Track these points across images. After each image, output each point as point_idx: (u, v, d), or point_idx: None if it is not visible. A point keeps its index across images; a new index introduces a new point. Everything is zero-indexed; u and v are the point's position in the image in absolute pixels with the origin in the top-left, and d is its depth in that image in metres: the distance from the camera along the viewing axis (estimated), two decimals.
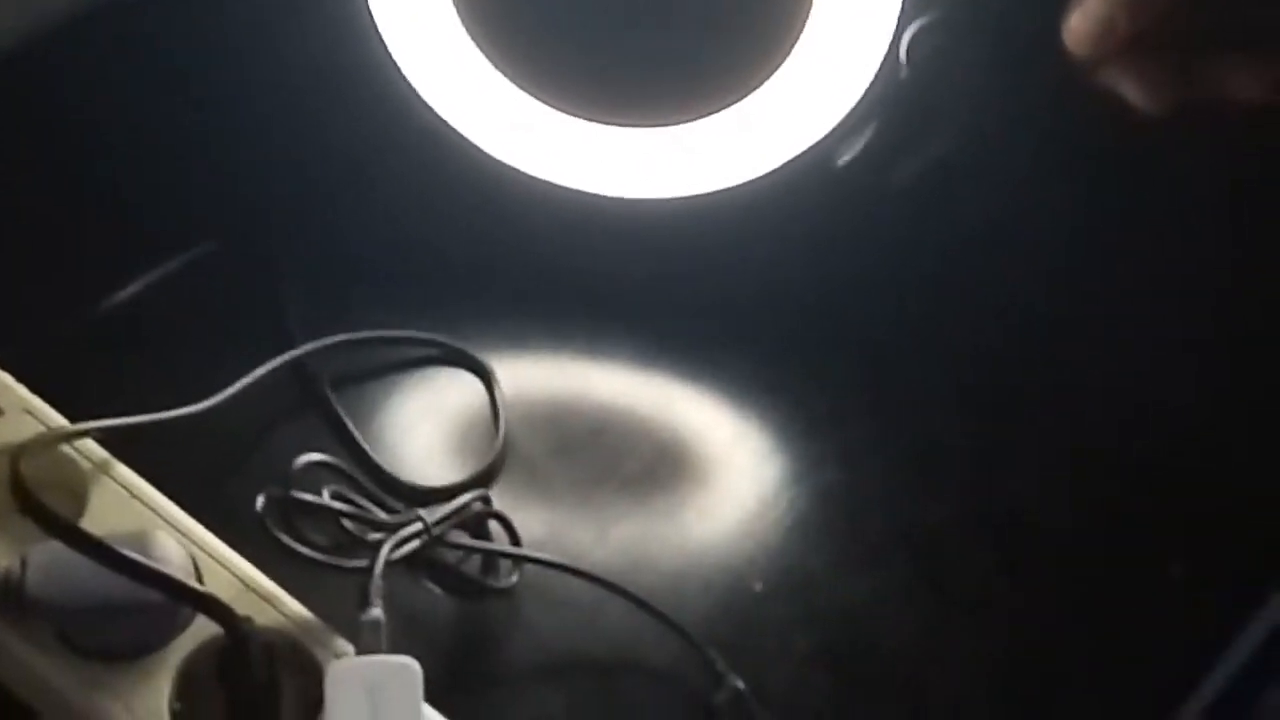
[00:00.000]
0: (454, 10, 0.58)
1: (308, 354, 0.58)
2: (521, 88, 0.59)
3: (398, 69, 0.59)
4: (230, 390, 0.56)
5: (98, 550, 0.44)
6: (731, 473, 0.58)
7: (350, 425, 0.57)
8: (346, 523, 0.50)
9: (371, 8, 0.58)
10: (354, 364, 0.59)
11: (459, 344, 0.60)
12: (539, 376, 0.61)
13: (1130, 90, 0.56)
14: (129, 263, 0.59)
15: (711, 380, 0.61)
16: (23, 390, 0.53)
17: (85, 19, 0.65)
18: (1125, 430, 0.60)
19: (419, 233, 0.63)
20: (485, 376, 0.59)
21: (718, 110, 0.57)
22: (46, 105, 0.63)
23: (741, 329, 0.62)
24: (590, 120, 0.59)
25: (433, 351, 0.60)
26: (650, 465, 0.58)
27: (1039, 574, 0.56)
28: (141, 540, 0.48)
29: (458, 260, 0.62)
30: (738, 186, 0.59)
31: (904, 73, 0.57)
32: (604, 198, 0.60)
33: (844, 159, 0.59)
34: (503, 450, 0.57)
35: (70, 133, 0.63)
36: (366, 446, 0.57)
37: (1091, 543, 0.57)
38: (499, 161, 0.60)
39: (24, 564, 0.48)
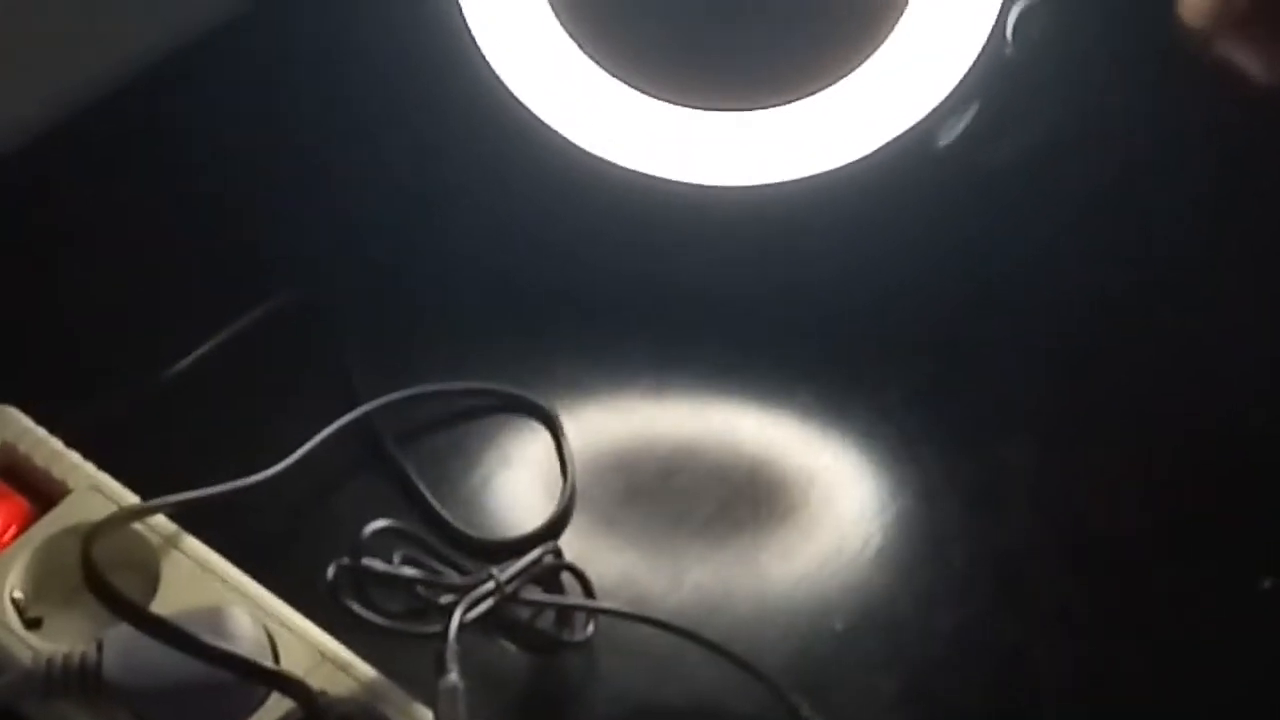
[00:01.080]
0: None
1: (372, 412, 0.58)
2: (618, 77, 0.58)
3: (492, 80, 0.58)
4: (296, 455, 0.55)
5: (169, 634, 0.44)
6: (805, 509, 0.57)
7: (418, 483, 0.57)
8: (419, 588, 0.49)
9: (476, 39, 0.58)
10: (419, 419, 0.59)
11: (522, 391, 0.59)
12: (606, 419, 0.61)
13: (1248, 62, 0.54)
14: (189, 331, 0.59)
15: (780, 412, 0.60)
16: (91, 468, 0.53)
17: (144, 92, 0.66)
18: (1205, 440, 0.59)
19: (476, 272, 0.63)
20: (551, 424, 0.59)
21: (815, 92, 0.56)
22: (109, 175, 0.64)
23: (806, 354, 0.61)
24: (690, 107, 0.58)
25: (495, 401, 0.60)
26: (722, 506, 0.57)
27: (1121, 592, 0.55)
28: (215, 616, 0.48)
29: (523, 292, 0.62)
30: (838, 169, 0.57)
31: (1009, 51, 0.55)
32: (705, 186, 0.58)
33: (946, 140, 0.57)
34: (571, 499, 0.57)
35: (131, 204, 0.63)
36: (435, 504, 0.56)
37: (1176, 557, 0.56)
38: (592, 154, 0.59)
39: (100, 647, 0.48)
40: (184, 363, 0.58)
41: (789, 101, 0.56)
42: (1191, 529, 0.56)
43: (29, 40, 0.62)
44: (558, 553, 0.53)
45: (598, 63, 0.58)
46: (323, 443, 0.56)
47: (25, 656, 0.49)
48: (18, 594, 0.51)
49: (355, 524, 0.53)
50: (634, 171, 0.59)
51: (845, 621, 0.54)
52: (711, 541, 0.56)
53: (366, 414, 0.58)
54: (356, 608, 0.47)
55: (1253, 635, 0.54)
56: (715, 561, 0.56)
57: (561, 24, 0.58)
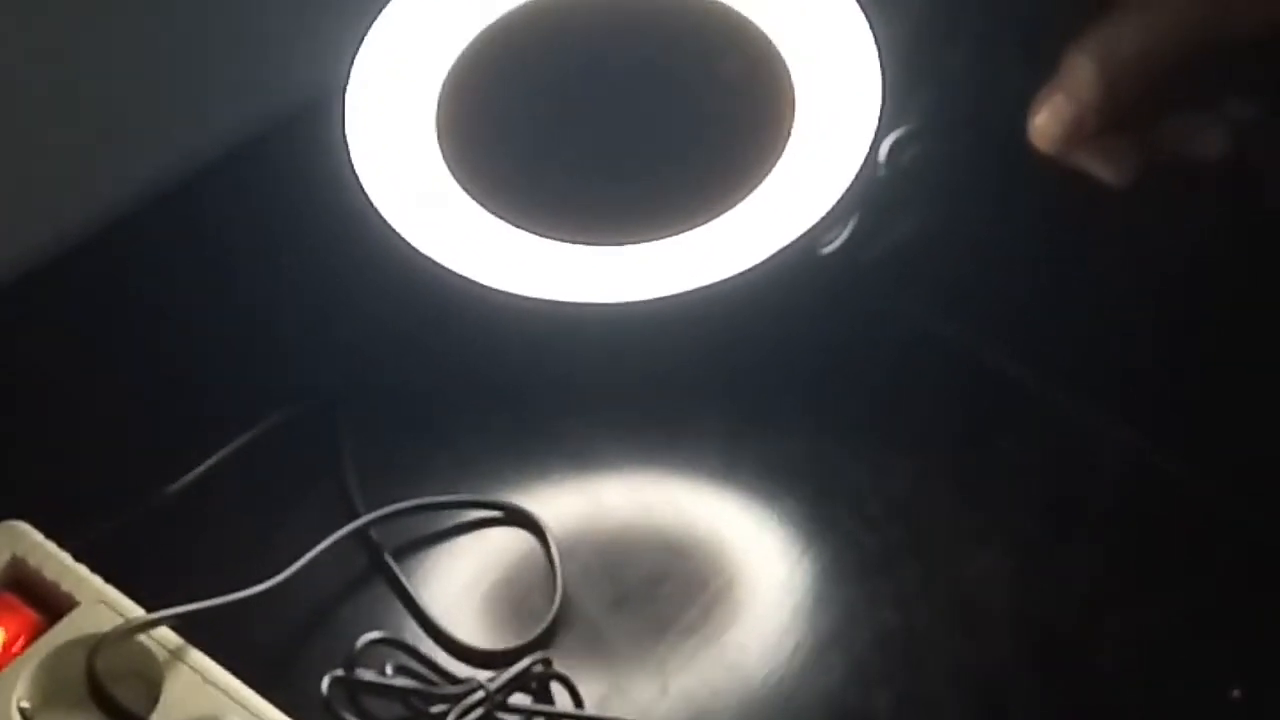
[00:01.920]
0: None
1: (369, 524, 0.60)
2: (511, 222, 0.61)
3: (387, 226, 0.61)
4: (295, 566, 0.57)
5: None
6: (785, 614, 0.59)
7: (414, 593, 0.59)
8: (412, 698, 0.51)
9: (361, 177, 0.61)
10: (415, 530, 0.61)
11: (513, 502, 0.61)
12: (594, 525, 0.63)
13: (1099, 170, 0.58)
14: (194, 448, 0.62)
15: (763, 516, 0.62)
16: (98, 581, 0.55)
17: (143, 216, 0.68)
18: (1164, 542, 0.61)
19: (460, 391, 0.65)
20: (540, 533, 0.61)
21: (705, 223, 0.61)
22: (116, 294, 0.66)
23: (782, 460, 0.63)
24: (590, 244, 0.61)
25: (488, 512, 0.62)
26: (707, 611, 0.59)
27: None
28: None
29: (502, 411, 0.64)
30: (727, 280, 0.61)
31: (882, 173, 0.62)
32: (605, 305, 0.61)
33: (828, 248, 0.63)
34: (559, 609, 0.59)
35: (137, 323, 0.66)
36: (431, 615, 0.58)
37: (1150, 669, 0.58)
38: (496, 290, 0.61)
39: None
40: (188, 478, 0.61)
41: (685, 230, 0.61)
42: (1167, 633, 0.58)
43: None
44: (547, 662, 0.55)
45: (487, 207, 0.62)
46: (322, 554, 0.58)
47: None
48: (25, 704, 0.53)
49: (354, 633, 0.55)
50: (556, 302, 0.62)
51: None
52: (698, 647, 0.58)
53: (364, 526, 0.60)
54: (350, 718, 0.49)
55: None
56: (701, 667, 0.58)
57: (459, 183, 0.62)
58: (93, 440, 0.62)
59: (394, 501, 0.61)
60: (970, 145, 0.63)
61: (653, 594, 0.60)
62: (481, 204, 0.62)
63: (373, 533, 0.60)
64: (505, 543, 0.61)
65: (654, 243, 0.61)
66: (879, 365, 0.65)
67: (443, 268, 0.60)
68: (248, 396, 0.63)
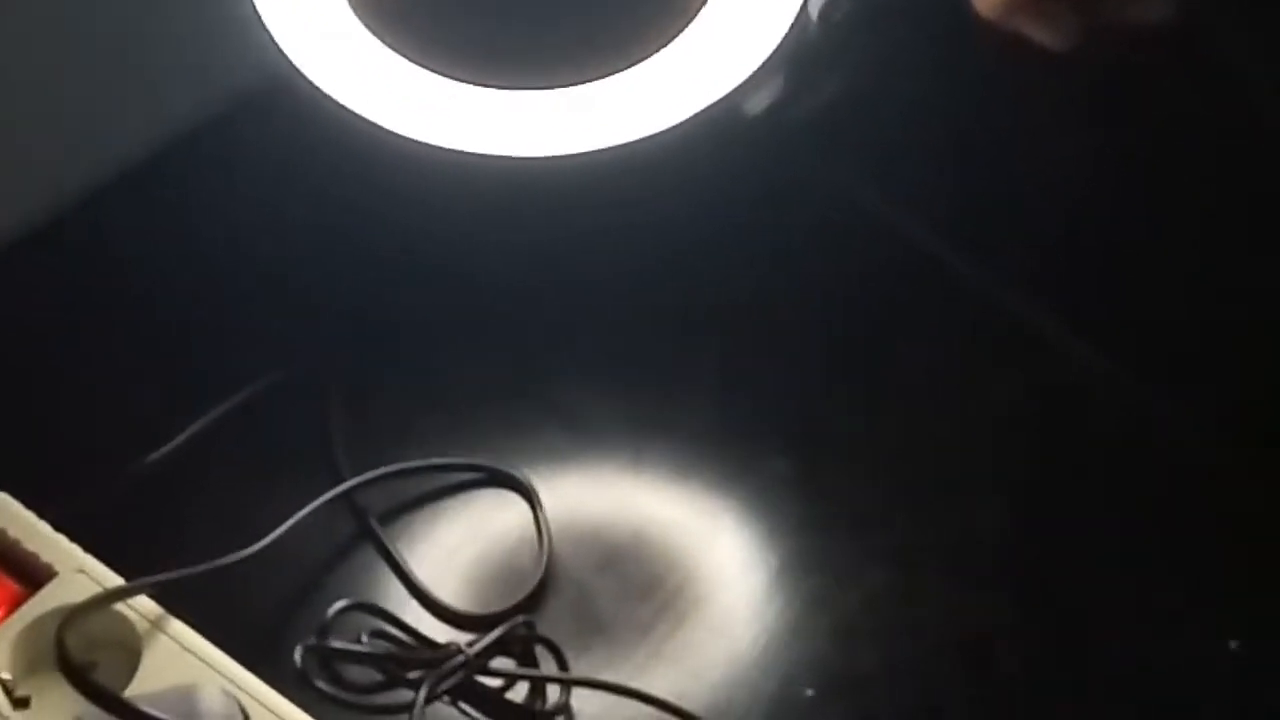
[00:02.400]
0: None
1: (354, 488, 0.59)
2: (417, 61, 0.58)
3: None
4: (278, 531, 0.57)
5: (137, 717, 0.45)
6: (777, 576, 0.58)
7: (399, 558, 0.58)
8: (387, 663, 0.50)
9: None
10: (401, 493, 0.60)
11: (501, 465, 0.61)
12: (582, 488, 0.62)
13: (1041, 35, 0.57)
14: (175, 416, 0.61)
15: (752, 481, 0.61)
16: (77, 550, 0.55)
17: (131, 181, 0.68)
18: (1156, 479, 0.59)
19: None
20: (528, 496, 0.60)
21: (626, 68, 0.58)
22: (92, 265, 0.66)
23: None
24: (498, 87, 0.58)
25: (477, 475, 0.61)
26: (693, 575, 0.58)
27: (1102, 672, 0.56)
28: (188, 695, 0.50)
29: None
30: (645, 139, 0.58)
31: (812, 30, 0.60)
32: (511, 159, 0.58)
33: (754, 110, 0.61)
34: (546, 572, 0.58)
35: (118, 291, 0.65)
36: (417, 579, 0.58)
37: (1150, 620, 0.57)
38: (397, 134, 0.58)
39: None
40: (170, 446, 0.60)
41: (602, 78, 0.58)
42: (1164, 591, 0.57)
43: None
44: (530, 625, 0.55)
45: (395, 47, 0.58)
46: (307, 520, 0.58)
47: None
48: (6, 674, 0.52)
49: (338, 598, 0.54)
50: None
51: (815, 687, 0.55)
52: (684, 610, 0.57)
53: (349, 491, 0.59)
54: (324, 686, 0.49)
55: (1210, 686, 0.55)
56: (688, 629, 0.57)
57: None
58: (74, 410, 0.61)
59: (379, 465, 0.60)
60: (906, 4, 0.61)
61: (638, 556, 0.59)
62: (382, 40, 0.58)
63: (358, 497, 0.59)
64: (492, 506, 0.60)
65: (566, 90, 0.57)
66: (797, 236, 0.64)
67: (341, 106, 0.56)
68: (230, 364, 0.63)
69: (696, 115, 0.57)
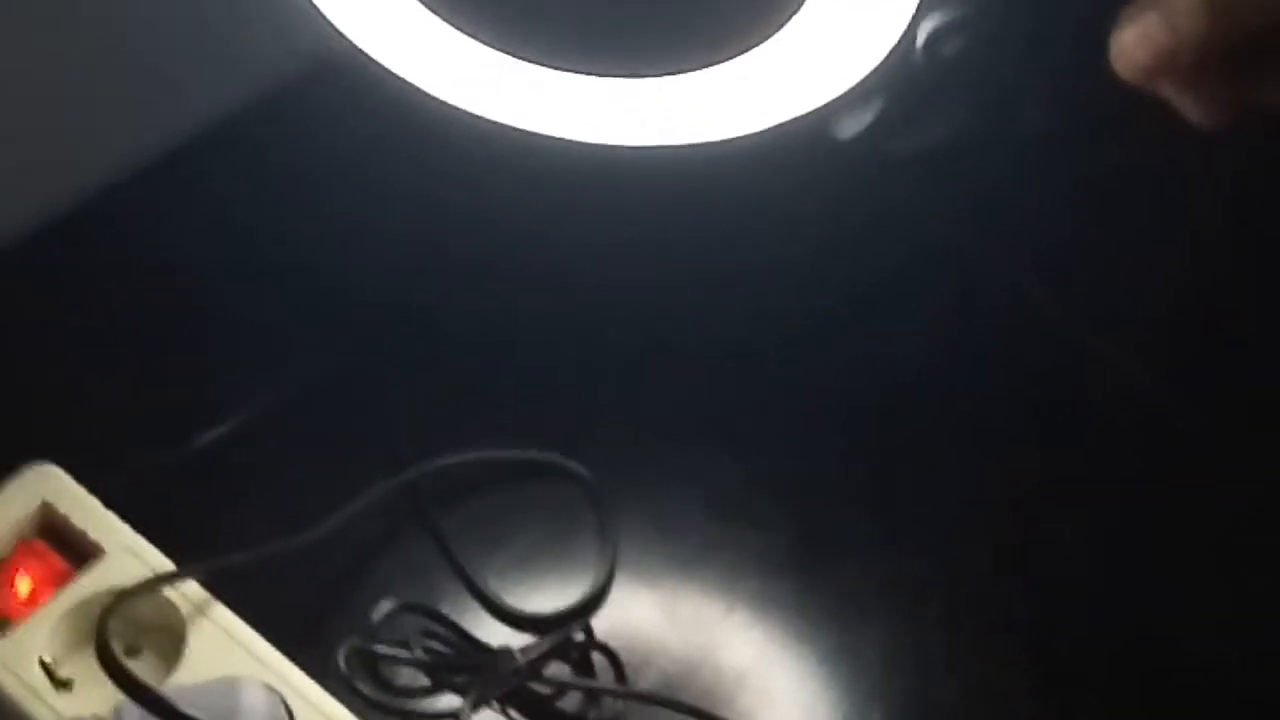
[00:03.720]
0: None
1: (414, 478, 0.57)
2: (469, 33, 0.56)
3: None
4: (332, 520, 0.55)
5: (174, 718, 0.44)
6: (855, 609, 0.56)
7: (454, 551, 0.56)
8: (434, 669, 0.48)
9: None
10: (462, 485, 0.58)
11: (567, 461, 0.59)
12: (651, 487, 0.60)
13: (1186, 107, 0.50)
14: (235, 395, 0.59)
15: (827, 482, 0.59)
16: (127, 530, 0.53)
17: (185, 159, 0.66)
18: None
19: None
20: (595, 495, 0.58)
21: (714, 64, 0.54)
22: (156, 238, 0.64)
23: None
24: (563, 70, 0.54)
25: (542, 470, 0.59)
26: (766, 592, 0.56)
27: None
28: (231, 689, 0.48)
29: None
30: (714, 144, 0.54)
31: (918, 59, 0.54)
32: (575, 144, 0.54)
33: (847, 134, 0.56)
34: (609, 576, 0.56)
35: (179, 267, 0.63)
36: (473, 576, 0.56)
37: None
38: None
39: (118, 716, 0.48)
40: (225, 427, 0.58)
41: (681, 72, 0.54)
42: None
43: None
44: (588, 630, 0.52)
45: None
46: (362, 509, 0.56)
47: None
48: (48, 656, 0.51)
49: (391, 592, 0.52)
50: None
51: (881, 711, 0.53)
52: (750, 623, 0.55)
53: (408, 480, 0.57)
54: (368, 690, 0.47)
55: None
56: (753, 643, 0.54)
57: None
58: (129, 386, 0.60)
59: (441, 455, 0.58)
60: (1025, 46, 0.56)
61: (707, 561, 0.57)
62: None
63: (416, 488, 0.57)
64: (556, 503, 0.58)
65: (638, 80, 0.53)
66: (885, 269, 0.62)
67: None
68: (292, 348, 0.61)
69: (777, 127, 0.54)
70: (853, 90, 0.52)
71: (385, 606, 0.48)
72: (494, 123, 0.53)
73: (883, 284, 0.63)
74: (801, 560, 0.57)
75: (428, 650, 0.48)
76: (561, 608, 0.55)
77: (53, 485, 0.54)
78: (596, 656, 0.53)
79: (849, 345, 0.62)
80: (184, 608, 0.52)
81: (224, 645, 0.51)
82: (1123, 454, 0.60)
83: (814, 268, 0.63)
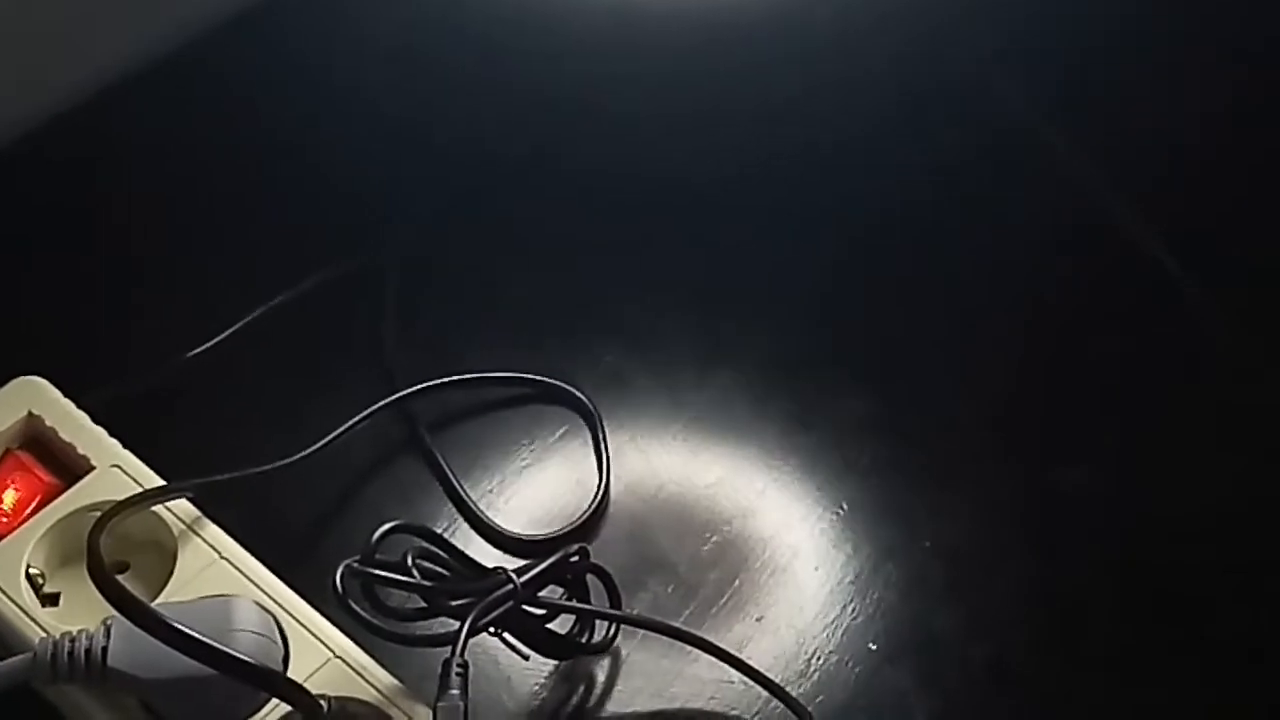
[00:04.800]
0: None
1: (408, 398, 0.56)
2: None
3: None
4: (326, 439, 0.54)
5: (167, 634, 0.43)
6: (848, 527, 0.55)
7: (450, 474, 0.55)
8: (431, 591, 0.47)
9: None
10: (456, 406, 0.57)
11: (563, 383, 0.58)
12: (646, 415, 0.59)
13: None
14: (226, 309, 0.58)
15: (823, 420, 0.58)
16: (116, 445, 0.52)
17: (179, 66, 0.65)
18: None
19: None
20: (590, 417, 0.57)
21: None
22: (145, 152, 0.63)
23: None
24: None
25: (536, 391, 0.58)
26: (758, 514, 0.55)
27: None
28: (224, 608, 0.47)
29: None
30: None
31: None
32: None
33: None
34: (603, 498, 0.55)
35: (168, 181, 0.62)
36: (466, 497, 0.55)
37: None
38: None
39: (108, 631, 0.47)
40: (216, 340, 0.57)
41: None
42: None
43: None
44: (585, 553, 0.52)
45: None
46: (356, 429, 0.55)
47: (36, 635, 0.48)
48: (34, 569, 0.50)
49: (385, 514, 0.51)
50: None
51: (878, 641, 0.52)
52: (745, 552, 0.54)
53: (401, 399, 0.56)
54: (364, 612, 0.46)
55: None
56: (747, 573, 0.54)
57: None
58: (117, 297, 0.59)
59: (435, 375, 0.57)
60: None
61: (702, 490, 0.56)
62: None
63: (410, 407, 0.57)
64: (551, 424, 0.57)
65: None
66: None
67: None
68: (285, 260, 0.60)
69: None
70: None
71: (384, 527, 0.47)
72: None
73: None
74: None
75: (424, 572, 0.47)
76: (554, 530, 0.55)
77: (40, 397, 0.53)
78: (591, 580, 0.52)
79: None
80: (174, 525, 0.51)
81: (214, 564, 0.50)
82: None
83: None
